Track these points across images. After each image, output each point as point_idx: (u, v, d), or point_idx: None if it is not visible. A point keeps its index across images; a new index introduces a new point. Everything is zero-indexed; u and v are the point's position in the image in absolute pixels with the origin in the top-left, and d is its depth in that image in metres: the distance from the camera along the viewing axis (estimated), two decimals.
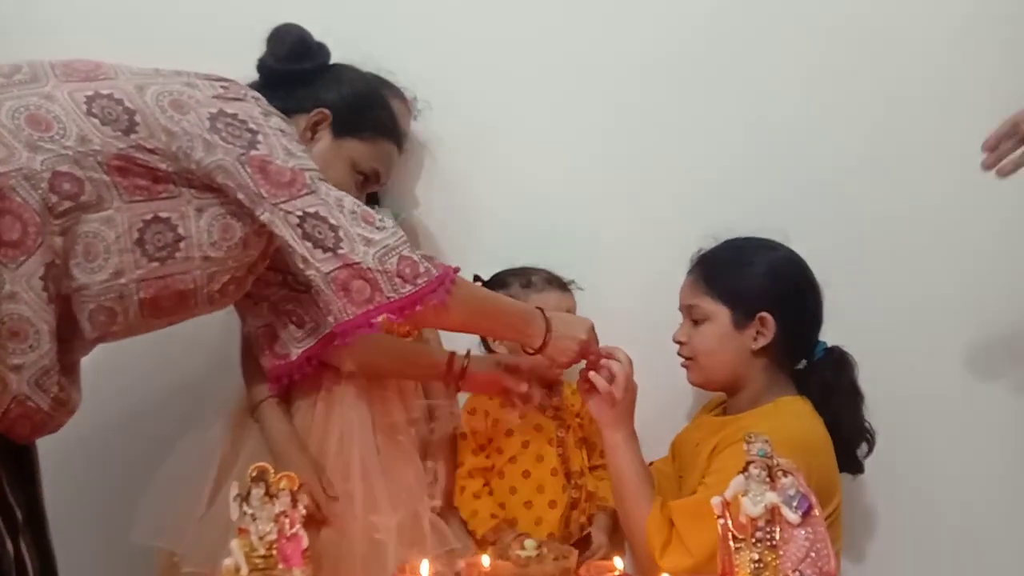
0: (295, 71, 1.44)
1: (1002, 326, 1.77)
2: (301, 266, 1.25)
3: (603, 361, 1.48)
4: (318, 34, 1.48)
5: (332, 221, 1.23)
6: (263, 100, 1.32)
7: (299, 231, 1.23)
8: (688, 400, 1.77)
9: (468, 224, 1.82)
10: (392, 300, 1.24)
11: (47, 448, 1.32)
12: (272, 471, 1.12)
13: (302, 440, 1.50)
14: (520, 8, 1.81)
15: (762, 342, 1.50)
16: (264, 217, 1.24)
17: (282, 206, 1.23)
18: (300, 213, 1.23)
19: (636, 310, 1.73)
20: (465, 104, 1.78)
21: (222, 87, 1.29)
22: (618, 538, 1.61)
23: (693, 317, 1.53)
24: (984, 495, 1.77)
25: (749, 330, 1.50)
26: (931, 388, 1.77)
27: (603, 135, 1.82)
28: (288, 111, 1.37)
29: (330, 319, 1.28)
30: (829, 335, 1.58)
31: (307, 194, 1.24)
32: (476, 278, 1.63)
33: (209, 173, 1.23)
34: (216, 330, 1.63)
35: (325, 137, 1.44)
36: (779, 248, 1.56)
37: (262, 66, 1.45)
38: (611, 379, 1.46)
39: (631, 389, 1.47)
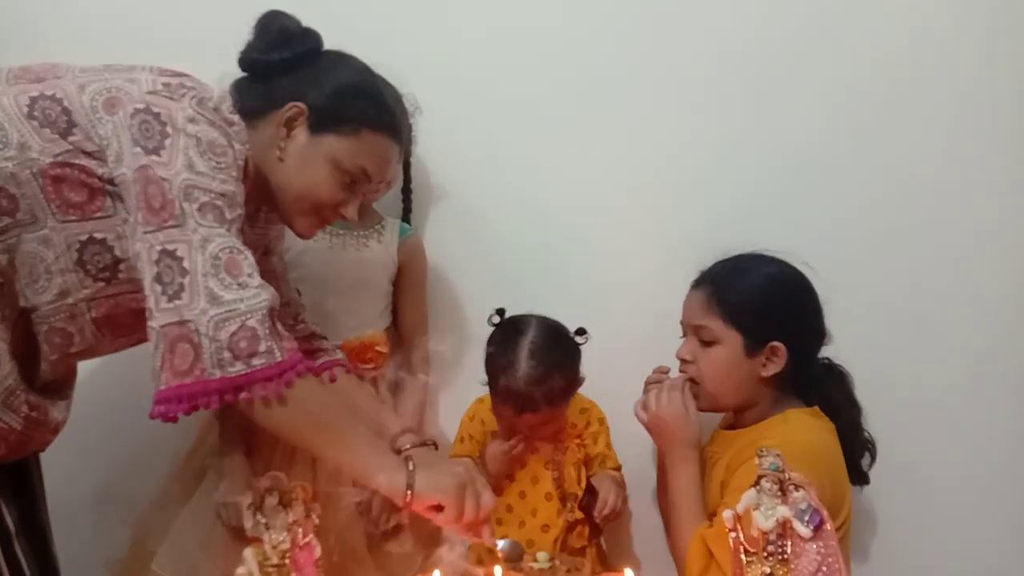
0: (275, 61, 1.30)
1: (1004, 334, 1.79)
2: (147, 316, 1.11)
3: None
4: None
5: (185, 264, 1.10)
6: (208, 104, 1.20)
7: (154, 270, 1.10)
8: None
9: (475, 242, 1.84)
10: (211, 379, 1.06)
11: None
12: (284, 480, 1.13)
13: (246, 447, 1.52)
14: (530, 24, 1.83)
15: (772, 370, 1.49)
16: (136, 247, 1.13)
17: (148, 236, 1.11)
18: (160, 248, 1.10)
19: (651, 324, 1.69)
20: (478, 119, 1.79)
21: (163, 83, 1.19)
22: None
23: (702, 338, 1.51)
24: (984, 496, 1.79)
25: (760, 357, 1.49)
26: (931, 394, 1.78)
27: (617, 153, 1.82)
28: (263, 109, 1.28)
29: (152, 383, 1.11)
30: (845, 344, 1.59)
31: (172, 227, 1.11)
32: (499, 312, 1.58)
33: (119, 187, 1.15)
34: None
35: (301, 134, 1.29)
36: (787, 269, 1.53)
37: (243, 59, 1.32)
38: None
39: (658, 411, 1.49)
